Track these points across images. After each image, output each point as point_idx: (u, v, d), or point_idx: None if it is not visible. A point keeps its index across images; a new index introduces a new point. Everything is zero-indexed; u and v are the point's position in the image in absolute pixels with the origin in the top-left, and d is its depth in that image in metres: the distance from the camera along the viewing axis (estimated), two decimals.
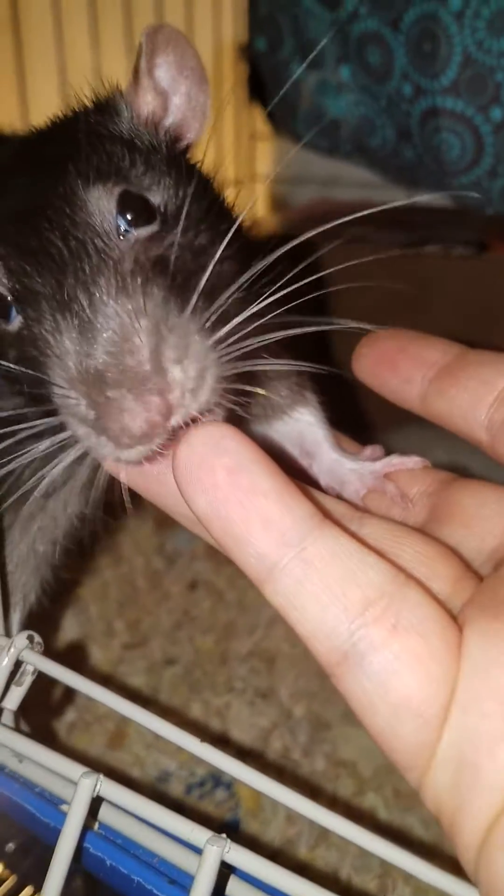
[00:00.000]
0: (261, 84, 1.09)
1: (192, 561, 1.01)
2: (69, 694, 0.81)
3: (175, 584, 0.99)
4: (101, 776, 0.40)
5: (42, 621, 0.66)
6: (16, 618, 0.60)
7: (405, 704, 0.33)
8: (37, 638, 0.45)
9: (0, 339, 0.45)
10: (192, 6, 1.17)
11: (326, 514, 0.36)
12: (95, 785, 0.40)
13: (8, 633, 0.50)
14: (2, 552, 0.47)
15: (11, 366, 0.44)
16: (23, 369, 0.43)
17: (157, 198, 0.46)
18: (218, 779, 0.76)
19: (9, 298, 0.43)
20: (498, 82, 0.88)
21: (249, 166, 1.34)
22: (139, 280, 0.40)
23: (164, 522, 1.06)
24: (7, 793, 0.46)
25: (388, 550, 0.38)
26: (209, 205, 0.50)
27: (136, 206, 0.44)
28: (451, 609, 0.36)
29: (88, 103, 0.53)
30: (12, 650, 0.44)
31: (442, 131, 0.92)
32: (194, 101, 0.53)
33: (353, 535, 0.36)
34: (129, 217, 0.44)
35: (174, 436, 0.37)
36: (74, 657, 0.88)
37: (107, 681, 0.85)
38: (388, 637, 0.33)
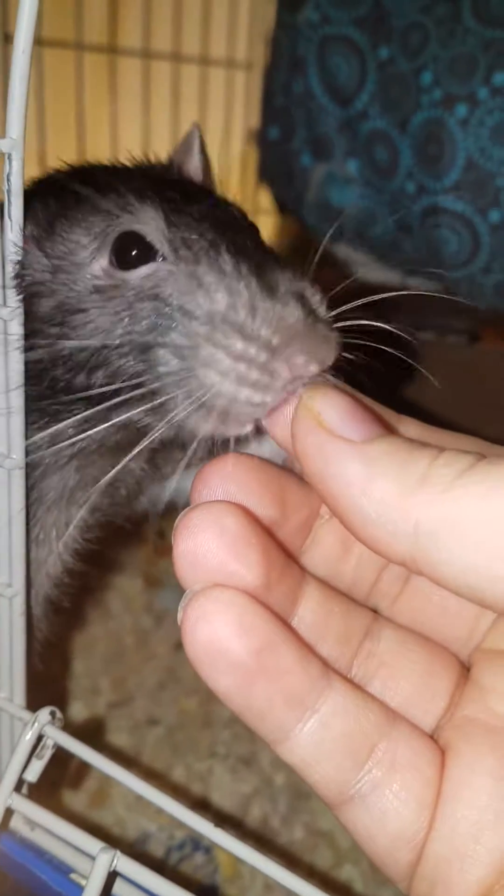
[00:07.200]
0: (270, 168, 1.15)
1: None
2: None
3: (161, 644, 1.00)
4: (118, 852, 0.43)
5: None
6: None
7: (401, 834, 0.36)
8: (58, 714, 0.47)
9: (108, 290, 0.48)
10: (206, 95, 1.25)
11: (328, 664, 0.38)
12: (112, 860, 0.42)
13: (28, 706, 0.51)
14: (29, 623, 0.49)
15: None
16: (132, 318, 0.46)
17: None
18: (197, 843, 0.77)
19: (158, 246, 0.47)
20: (498, 187, 0.93)
21: None
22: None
23: (154, 581, 1.08)
24: (19, 859, 0.48)
25: (404, 666, 0.40)
26: None
27: None
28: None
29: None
30: (36, 725, 0.46)
31: (441, 228, 0.97)
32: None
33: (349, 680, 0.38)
34: None
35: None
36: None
37: (91, 739, 0.86)
38: (388, 776, 0.36)
